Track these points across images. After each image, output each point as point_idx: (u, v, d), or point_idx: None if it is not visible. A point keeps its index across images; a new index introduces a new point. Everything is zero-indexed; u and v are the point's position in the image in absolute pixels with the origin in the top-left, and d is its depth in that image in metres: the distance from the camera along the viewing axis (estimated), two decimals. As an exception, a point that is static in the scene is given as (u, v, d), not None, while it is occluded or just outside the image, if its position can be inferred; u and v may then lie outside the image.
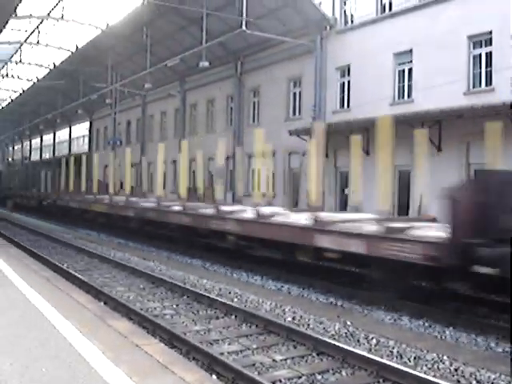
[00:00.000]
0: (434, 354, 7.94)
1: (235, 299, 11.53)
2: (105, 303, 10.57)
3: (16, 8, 34.85)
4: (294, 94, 30.05)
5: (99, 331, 7.17)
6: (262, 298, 11.57)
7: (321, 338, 8.35)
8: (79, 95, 45.05)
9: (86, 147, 60.82)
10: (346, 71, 26.76)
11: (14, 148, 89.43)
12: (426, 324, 9.90)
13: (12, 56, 48.33)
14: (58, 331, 6.92)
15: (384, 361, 7.37)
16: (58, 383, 5.22)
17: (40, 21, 39.40)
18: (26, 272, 11.61)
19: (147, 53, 33.52)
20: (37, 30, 40.99)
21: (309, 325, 9.59)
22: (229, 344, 8.50)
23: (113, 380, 5.30)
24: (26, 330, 6.96)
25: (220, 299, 11.00)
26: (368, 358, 7.45)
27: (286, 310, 10.57)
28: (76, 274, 13.71)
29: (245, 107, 33.57)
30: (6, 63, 50.39)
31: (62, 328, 7.07)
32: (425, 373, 7.20)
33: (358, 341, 8.71)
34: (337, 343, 8.11)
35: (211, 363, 7.33)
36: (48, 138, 72.35)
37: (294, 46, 28.45)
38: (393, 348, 8.31)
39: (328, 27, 27.22)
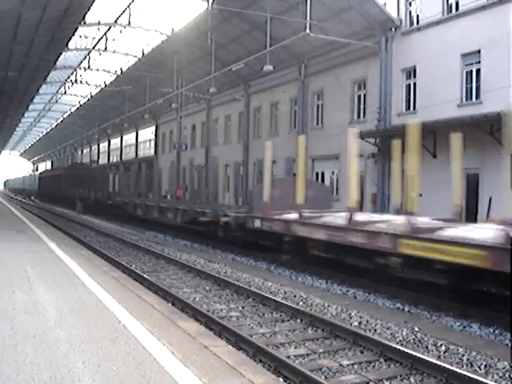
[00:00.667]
0: (506, 363, 7.73)
1: (300, 302, 11.51)
2: (172, 304, 10.73)
3: (85, 16, 36.05)
4: (359, 96, 29.81)
5: (168, 332, 7.30)
6: (328, 301, 11.52)
7: (388, 343, 8.24)
8: (145, 100, 45.96)
9: (152, 151, 62.01)
10: (411, 73, 26.36)
11: (82, 152, 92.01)
12: (497, 331, 9.64)
13: (81, 62, 49.83)
14: (128, 331, 7.07)
15: (454, 368, 7.20)
16: (129, 382, 5.33)
17: (108, 28, 40.48)
18: (96, 272, 11.92)
19: (212, 57, 33.90)
20: (104, 37, 42.12)
21: (375, 330, 9.49)
22: (295, 347, 8.49)
23: (183, 380, 5.39)
24: (98, 329, 7.15)
25: (286, 302, 11.00)
26: (437, 364, 7.30)
27: (352, 314, 10.49)
28: (144, 275, 14.00)
29: (308, 110, 33.53)
30: (75, 69, 52.00)
31: (133, 328, 7.23)
32: (496, 381, 7.02)
33: (427, 347, 8.55)
34: (405, 349, 7.99)
35: (278, 366, 7.35)
36: (115, 142, 74.18)
37: (358, 48, 28.25)
38: (462, 355, 8.12)
39: (393, 28, 26.93)
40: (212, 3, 29.62)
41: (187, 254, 19.08)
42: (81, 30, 39.93)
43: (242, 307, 11.11)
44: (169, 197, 40.80)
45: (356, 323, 9.92)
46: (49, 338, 6.63)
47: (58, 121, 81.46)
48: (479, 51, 22.62)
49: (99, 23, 38.92)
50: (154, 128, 60.87)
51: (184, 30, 37.13)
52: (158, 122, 59.23)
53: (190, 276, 14.85)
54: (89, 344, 6.48)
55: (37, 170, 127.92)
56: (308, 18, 24.73)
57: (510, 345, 8.98)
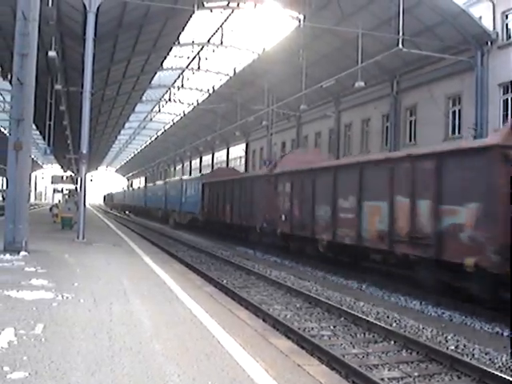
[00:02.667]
0: None
1: (394, 324, 11.23)
2: (263, 320, 10.73)
3: (179, 36, 37.20)
4: (454, 112, 29.05)
5: (261, 348, 7.28)
6: (422, 323, 11.17)
7: (487, 369, 7.89)
8: (236, 117, 46.67)
9: (243, 168, 62.78)
10: (509, 87, 25.46)
11: (175, 168, 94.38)
12: None
13: (175, 81, 51.39)
14: (222, 346, 7.12)
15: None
16: (224, 398, 5.36)
17: (201, 47, 41.56)
18: (189, 286, 12.10)
19: (302, 75, 34.03)
20: (198, 56, 43.24)
21: (473, 355, 9.10)
22: (389, 370, 8.29)
23: (277, 398, 5.35)
24: (193, 343, 7.23)
25: (379, 323, 10.77)
26: (542, 394, 6.92)
27: (449, 337, 10.12)
28: (235, 291, 14.11)
29: (401, 126, 32.98)
30: (170, 88, 53.62)
31: (226, 343, 7.26)
32: None
33: (529, 375, 8.13)
34: (505, 376, 7.63)
35: (372, 388, 7.19)
36: (207, 159, 75.64)
37: (452, 63, 27.60)
38: None
39: (489, 42, 26.20)
40: (303, 21, 29.79)
41: (277, 271, 19.08)
42: (175, 50, 41.19)
43: (334, 326, 10.97)
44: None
45: (453, 347, 9.56)
46: (145, 350, 6.77)
47: (152, 138, 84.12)
48: None
49: (193, 43, 40.07)
50: (244, 145, 61.63)
51: (275, 49, 37.59)
52: (249, 139, 59.94)
53: (281, 293, 14.83)
54: (184, 357, 6.56)
55: (131, 185, 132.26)
56: (401, 33, 24.38)
57: None
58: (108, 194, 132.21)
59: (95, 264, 14.96)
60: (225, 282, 16.09)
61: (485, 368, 7.97)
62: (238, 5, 32.47)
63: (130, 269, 14.41)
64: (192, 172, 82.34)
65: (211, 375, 5.96)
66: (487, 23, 26.29)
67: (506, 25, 26.01)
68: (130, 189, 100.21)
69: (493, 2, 26.14)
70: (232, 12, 33.95)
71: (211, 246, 28.17)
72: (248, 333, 8.20)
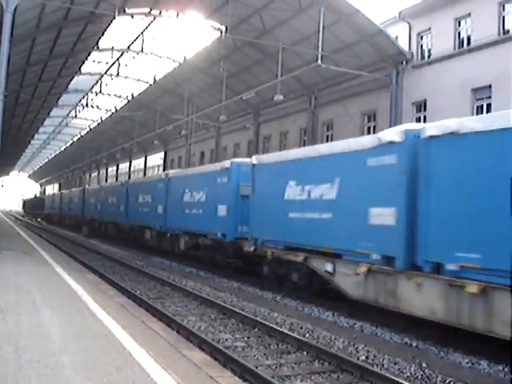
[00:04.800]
0: (517, 403, 7.58)
1: (307, 334, 11.36)
2: (177, 332, 10.60)
3: (98, 41, 36.57)
4: (369, 128, 29.87)
5: (174, 360, 7.21)
6: (335, 334, 11.35)
7: (396, 379, 8.09)
8: (155, 126, 46.23)
9: (160, 176, 62.14)
10: (422, 106, 26.47)
11: (90, 175, 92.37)
12: (506, 369, 9.44)
13: (93, 87, 50.39)
14: (133, 358, 6.98)
15: (464, 407, 7.06)
16: (134, 411, 5.24)
17: (120, 53, 40.97)
18: (102, 297, 11.85)
19: (223, 86, 34.14)
20: (117, 62, 42.61)
21: (383, 365, 9.32)
22: (301, 380, 8.36)
23: (189, 412, 5.28)
24: (104, 355, 7.06)
25: (292, 334, 10.86)
26: (447, 403, 7.15)
27: (360, 348, 10.33)
28: (149, 302, 13.88)
29: (318, 141, 33.57)
30: (87, 94, 52.53)
31: (138, 355, 7.14)
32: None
33: (435, 384, 8.41)
34: (413, 386, 7.85)
35: (284, 399, 7.22)
36: (124, 167, 74.48)
37: (369, 80, 28.42)
38: (472, 394, 7.98)
39: (404, 62, 27.15)
40: (225, 32, 29.94)
41: (192, 282, 18.96)
42: (94, 55, 40.45)
43: (248, 337, 10.97)
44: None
45: (363, 357, 9.76)
46: (53, 363, 6.56)
47: (68, 144, 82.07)
48: (490, 86, 22.70)
49: (112, 49, 39.40)
50: (162, 154, 61.10)
51: (196, 58, 37.57)
52: (167, 148, 59.48)
53: (196, 304, 14.72)
54: (93, 370, 6.40)
55: (44, 192, 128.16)
56: (320, 49, 24.89)
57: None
58: (33, 199, 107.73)
59: (3, 273, 14.38)
60: (138, 292, 15.81)
61: (394, 378, 8.17)
62: (159, 13, 32.21)
63: (40, 279, 13.94)
64: (108, 179, 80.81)
65: (122, 388, 5.83)
66: (403, 43, 27.25)
67: (421, 45, 27.05)
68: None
69: (409, 23, 27.12)
70: (154, 20, 33.66)
71: (125, 256, 27.66)
72: (161, 345, 8.09)
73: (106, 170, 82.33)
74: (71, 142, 79.94)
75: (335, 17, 26.13)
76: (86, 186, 62.17)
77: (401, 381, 8.05)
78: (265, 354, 9.72)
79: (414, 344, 11.07)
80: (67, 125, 67.02)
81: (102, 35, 35.02)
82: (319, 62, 25.29)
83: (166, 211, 27.47)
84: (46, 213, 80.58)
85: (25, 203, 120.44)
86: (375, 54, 27.44)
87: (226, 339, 10.73)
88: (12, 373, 6.07)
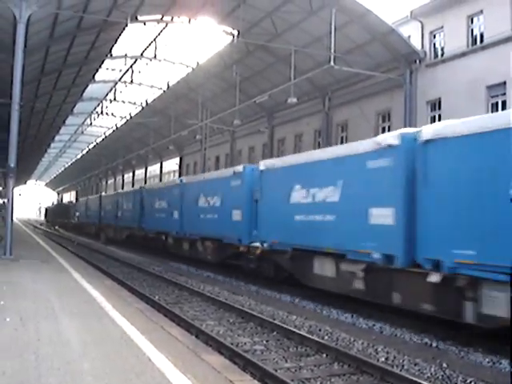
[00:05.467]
0: (539, 401, 7.50)
1: (326, 337, 11.32)
2: (196, 336, 10.62)
3: (111, 49, 36.80)
4: (383, 128, 29.77)
5: (193, 365, 7.21)
6: (354, 336, 11.31)
7: (417, 380, 8.04)
8: (170, 131, 46.39)
9: (176, 182, 62.26)
10: (436, 105, 26.35)
11: (107, 182, 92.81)
12: (528, 368, 9.37)
13: (107, 94, 50.70)
14: (153, 363, 7.00)
15: (485, 407, 7.00)
16: (155, 416, 5.25)
17: (134, 60, 41.20)
18: (120, 303, 11.89)
19: (236, 90, 34.21)
20: (131, 70, 42.84)
21: (403, 366, 9.27)
22: (321, 383, 8.33)
23: (209, 416, 5.29)
24: (123, 361, 7.09)
25: (311, 336, 10.84)
26: (468, 403, 7.10)
27: (379, 349, 10.28)
28: (167, 307, 13.92)
29: (333, 142, 33.53)
30: (102, 101, 52.87)
31: (157, 360, 7.15)
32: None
33: (456, 384, 8.35)
34: (434, 386, 7.80)
35: (304, 402, 7.21)
36: (140, 173, 74.77)
37: (382, 81, 28.34)
38: (493, 393, 7.91)
39: (417, 61, 27.05)
40: (237, 36, 30.01)
41: (210, 286, 18.98)
42: (107, 63, 40.72)
43: (267, 341, 10.96)
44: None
45: (383, 359, 9.71)
46: (73, 370, 6.59)
47: (84, 151, 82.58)
48: (505, 83, 22.54)
49: (126, 56, 39.63)
50: (178, 159, 61.28)
51: (209, 63, 37.69)
52: (183, 153, 59.66)
53: (214, 308, 14.73)
54: (113, 376, 6.42)
55: (62, 200, 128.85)
56: (332, 50, 24.87)
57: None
58: (58, 206, 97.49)
59: (22, 281, 14.49)
60: (157, 298, 15.86)
61: (414, 379, 8.12)
62: (172, 19, 32.38)
63: (58, 286, 14.02)
64: (124, 186, 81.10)
65: (142, 394, 5.85)
66: (416, 42, 27.17)
67: (434, 44, 26.95)
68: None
69: (421, 22, 27.04)
70: (166, 26, 33.82)
71: (143, 262, 27.76)
72: (180, 349, 8.11)
73: (123, 176, 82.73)
74: (87, 149, 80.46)
75: (346, 17, 26.10)
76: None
77: (421, 381, 8.00)
78: (284, 357, 9.70)
79: (434, 344, 11.00)
80: (83, 133, 67.46)
81: (115, 43, 35.25)
82: (332, 63, 25.28)
83: (182, 217, 27.26)
84: (75, 222, 67.78)
85: (47, 212, 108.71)
86: (388, 53, 27.37)
87: (245, 343, 10.73)
88: (32, 381, 6.11)
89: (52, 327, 8.87)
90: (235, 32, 30.98)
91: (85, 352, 7.43)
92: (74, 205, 73.21)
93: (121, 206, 41.53)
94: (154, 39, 36.51)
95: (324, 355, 9.84)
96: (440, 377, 8.70)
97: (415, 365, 9.33)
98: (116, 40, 34.61)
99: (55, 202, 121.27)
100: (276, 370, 8.62)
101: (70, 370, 6.54)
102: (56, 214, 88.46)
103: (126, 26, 29.45)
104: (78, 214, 64.75)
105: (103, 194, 60.99)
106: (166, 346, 8.06)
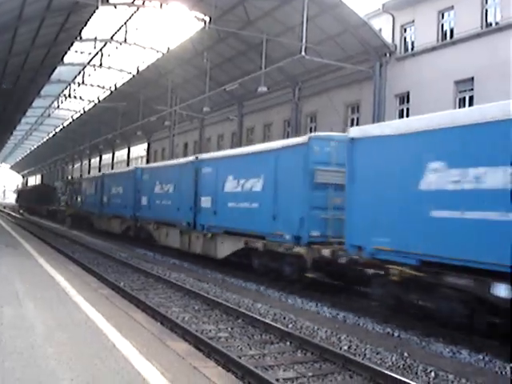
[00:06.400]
0: (496, 391, 7.71)
1: (290, 325, 11.44)
2: (161, 323, 10.64)
3: (81, 31, 36.25)
4: (352, 119, 29.98)
5: (157, 351, 7.24)
6: (317, 325, 11.45)
7: (378, 368, 8.20)
8: (139, 117, 45.99)
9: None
10: (405, 98, 26.62)
11: (73, 166, 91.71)
12: (487, 358, 9.58)
13: (75, 77, 49.95)
14: (117, 349, 7.01)
15: (444, 395, 7.17)
16: (118, 402, 5.28)
17: (103, 44, 40.66)
18: (85, 289, 11.85)
19: (206, 77, 34.07)
20: (100, 53, 42.29)
21: (365, 355, 9.43)
22: (284, 370, 8.43)
23: (173, 401, 5.33)
24: (88, 346, 7.09)
25: (275, 324, 10.95)
26: (428, 391, 7.26)
27: (342, 338, 10.43)
28: (132, 293, 13.90)
29: (302, 132, 33.62)
30: (69, 84, 52.11)
31: (122, 346, 7.17)
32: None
33: (416, 373, 8.51)
34: (395, 375, 7.95)
35: (267, 389, 7.29)
36: (107, 158, 74.07)
37: (352, 72, 28.49)
38: (452, 382, 8.11)
39: (388, 54, 27.24)
40: (208, 23, 29.82)
41: (176, 273, 18.97)
42: (77, 45, 40.11)
43: (231, 328, 11.04)
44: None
45: (346, 347, 9.86)
46: (37, 355, 6.58)
47: (50, 135, 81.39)
48: (472, 78, 22.88)
49: (95, 39, 39.10)
50: (146, 145, 60.86)
51: (179, 49, 37.40)
52: (151, 139, 59.27)
53: (179, 295, 14.75)
54: (77, 361, 6.42)
55: (26, 183, 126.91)
56: (304, 40, 24.88)
57: (499, 372, 8.95)
58: (36, 188, 79.87)
59: (-15, 265, 14.32)
60: (122, 284, 15.82)
61: (376, 367, 8.28)
62: (143, 3, 32.03)
63: (23, 271, 13.89)
64: (91, 171, 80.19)
65: (106, 379, 5.87)
66: (387, 35, 27.36)
67: (405, 38, 27.19)
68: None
69: (393, 16, 27.24)
70: (137, 10, 33.45)
71: (108, 248, 27.58)
72: (145, 336, 8.12)
73: (89, 161, 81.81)
74: (54, 132, 79.31)
75: (319, 8, 26.14)
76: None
77: (383, 370, 8.15)
78: (248, 345, 9.79)
79: (396, 334, 11.19)
80: (50, 115, 66.47)
81: (85, 25, 34.66)
82: (303, 53, 25.28)
83: (197, 205, 21.76)
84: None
85: (20, 195, 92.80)
86: (359, 45, 27.51)
87: (210, 330, 10.78)
88: (-5, 364, 6.08)
89: (16, 312, 8.80)
90: (207, 18, 30.77)
91: (49, 337, 7.40)
92: (73, 184, 52.57)
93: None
94: (125, 23, 36.12)
95: (288, 343, 9.96)
96: (401, 366, 8.87)
97: (377, 354, 9.49)
98: (86, 22, 34.03)
99: (36, 183, 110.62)
100: (240, 357, 8.69)
101: (34, 355, 6.53)
102: (33, 199, 72.47)
103: (97, 8, 28.97)
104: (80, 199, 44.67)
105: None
106: (131, 333, 8.06)
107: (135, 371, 6.18)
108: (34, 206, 71.74)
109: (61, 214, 53.59)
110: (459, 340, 10.44)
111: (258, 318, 11.55)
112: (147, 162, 60.56)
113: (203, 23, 31.38)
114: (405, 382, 7.63)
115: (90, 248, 26.62)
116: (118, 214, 32.18)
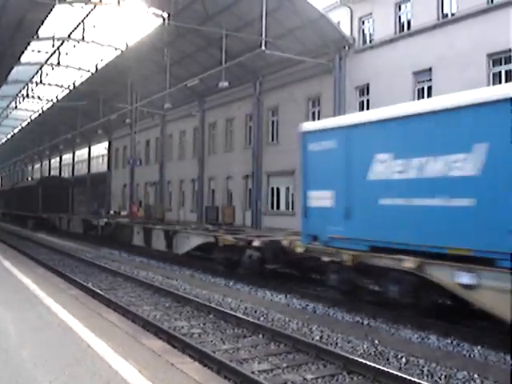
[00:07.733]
0: (465, 373, 7.94)
1: (261, 318, 11.57)
2: (133, 321, 10.62)
3: (38, 30, 35.65)
4: (313, 113, 30.21)
5: (133, 349, 7.25)
6: (288, 316, 11.60)
7: (351, 356, 8.37)
8: (99, 115, 45.52)
9: (105, 166, 61.32)
10: (365, 90, 26.94)
11: (33, 167, 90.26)
12: (454, 343, 9.85)
13: (33, 77, 49.12)
14: (93, 350, 7.01)
15: (415, 379, 7.35)
16: (99, 401, 5.30)
17: (61, 42, 40.05)
18: (54, 290, 11.74)
19: (167, 73, 33.90)
20: (57, 51, 41.65)
21: (337, 343, 9.61)
22: (259, 363, 8.53)
23: (153, 398, 5.38)
24: (63, 348, 7.06)
25: (247, 318, 11.05)
26: (400, 376, 7.44)
27: (313, 328, 10.59)
28: (102, 293, 13.83)
29: (263, 126, 33.79)
30: (27, 84, 51.21)
31: (97, 346, 7.16)
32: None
33: (388, 359, 8.71)
34: (367, 362, 8.12)
35: (243, 382, 7.38)
36: (67, 158, 73.12)
37: (312, 66, 28.69)
38: (423, 367, 8.31)
39: (346, 47, 27.50)
40: (167, 19, 29.68)
41: (144, 271, 18.94)
42: (33, 44, 39.39)
43: (204, 324, 11.09)
44: (123, 213, 40.29)
45: (317, 337, 10.02)
46: (12, 358, 6.53)
47: (9, 136, 79.95)
48: (430, 69, 23.29)
49: (53, 38, 38.44)
50: (107, 143, 60.28)
51: (138, 45, 37.11)
52: (112, 137, 58.74)
53: (149, 293, 14.73)
54: (54, 363, 6.40)
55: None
56: (263, 35, 24.98)
57: (467, 355, 9.21)
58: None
59: None
60: (90, 284, 15.72)
61: (348, 355, 8.45)
62: (100, 0, 31.68)
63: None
64: (52, 171, 79.06)
65: (84, 379, 5.88)
66: (345, 28, 27.61)
67: (363, 30, 27.48)
68: None
69: (350, 8, 27.50)
70: (94, 7, 33.05)
71: (74, 248, 27.32)
72: (119, 335, 8.12)
73: (49, 161, 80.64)
74: (12, 133, 77.91)
75: (277, 2, 26.27)
76: None
77: (355, 358, 8.32)
78: (221, 339, 9.86)
79: (366, 322, 11.42)
80: (7, 116, 65.32)
81: (42, 24, 34.13)
82: (263, 47, 25.41)
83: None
84: None
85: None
86: (318, 39, 27.72)
87: (182, 326, 10.82)
88: (-29, 370, 6.03)
89: (-14, 316, 8.71)
90: (165, 14, 30.62)
91: (23, 340, 7.36)
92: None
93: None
94: (82, 21, 35.63)
95: (260, 336, 10.07)
96: (372, 353, 9.07)
97: (348, 342, 9.68)
98: (43, 21, 33.51)
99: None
100: (214, 352, 8.76)
101: (10, 358, 6.48)
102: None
103: (54, 6, 28.58)
104: None
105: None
106: (105, 332, 8.05)
107: (113, 370, 6.20)
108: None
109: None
110: (427, 325, 10.70)
111: (230, 312, 11.64)
112: (108, 160, 60.03)
113: (162, 19, 31.20)
114: (377, 368, 7.81)
115: (55, 249, 26.32)
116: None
